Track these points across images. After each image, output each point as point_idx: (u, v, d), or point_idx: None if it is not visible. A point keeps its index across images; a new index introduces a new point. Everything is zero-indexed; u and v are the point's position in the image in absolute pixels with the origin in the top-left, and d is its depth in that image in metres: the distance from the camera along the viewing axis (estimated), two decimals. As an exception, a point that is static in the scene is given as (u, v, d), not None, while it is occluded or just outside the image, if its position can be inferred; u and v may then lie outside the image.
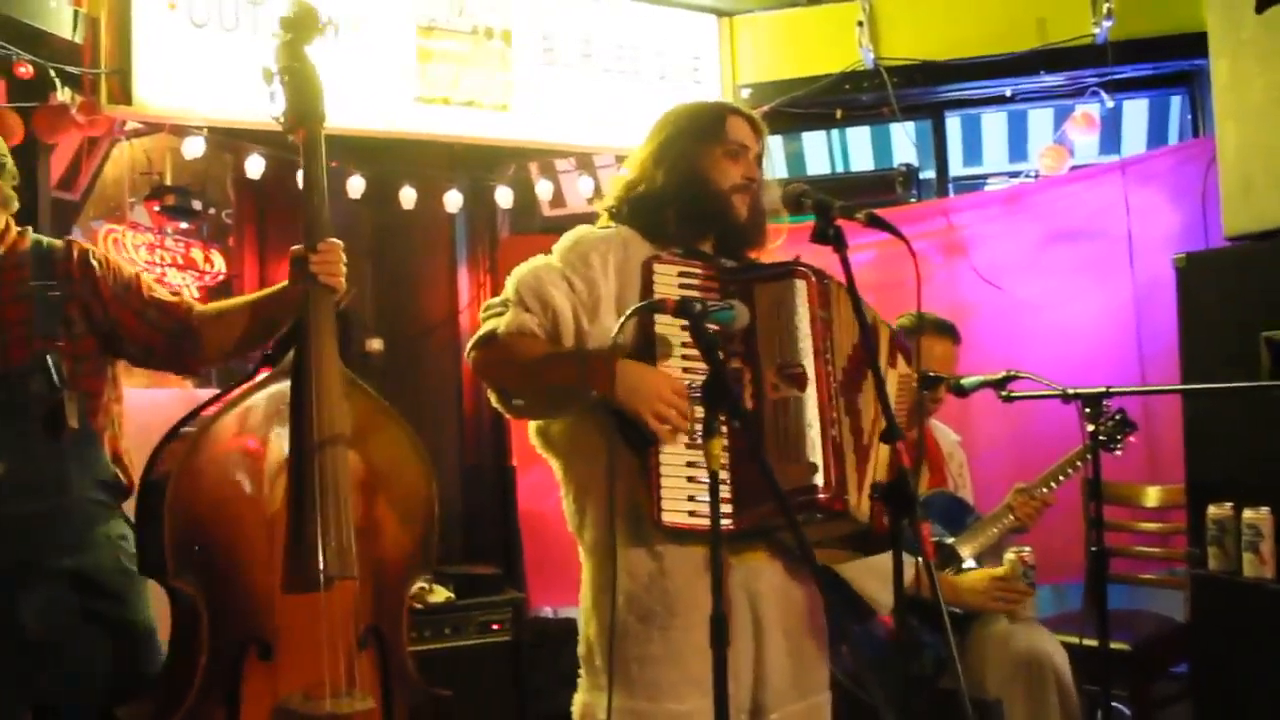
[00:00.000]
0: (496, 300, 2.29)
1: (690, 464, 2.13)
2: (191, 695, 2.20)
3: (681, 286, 2.20)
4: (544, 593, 4.86)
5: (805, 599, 2.33)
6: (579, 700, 2.32)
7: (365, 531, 2.37)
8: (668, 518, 2.12)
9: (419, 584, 3.92)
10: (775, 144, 5.09)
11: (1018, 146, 6.87)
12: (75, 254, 2.47)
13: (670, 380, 2.13)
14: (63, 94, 3.78)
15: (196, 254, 4.58)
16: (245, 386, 2.41)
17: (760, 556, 2.25)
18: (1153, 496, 4.18)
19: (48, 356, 2.32)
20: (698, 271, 2.24)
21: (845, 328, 2.29)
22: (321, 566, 2.25)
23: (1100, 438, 3.12)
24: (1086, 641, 3.19)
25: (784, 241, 2.46)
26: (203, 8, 3.94)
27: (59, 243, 2.49)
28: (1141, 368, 4.37)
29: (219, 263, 4.63)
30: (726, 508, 2.09)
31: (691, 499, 2.13)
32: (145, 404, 2.83)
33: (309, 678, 2.24)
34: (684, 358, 2.17)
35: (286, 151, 4.29)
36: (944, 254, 4.75)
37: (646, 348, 2.18)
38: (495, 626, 4.14)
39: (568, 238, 2.32)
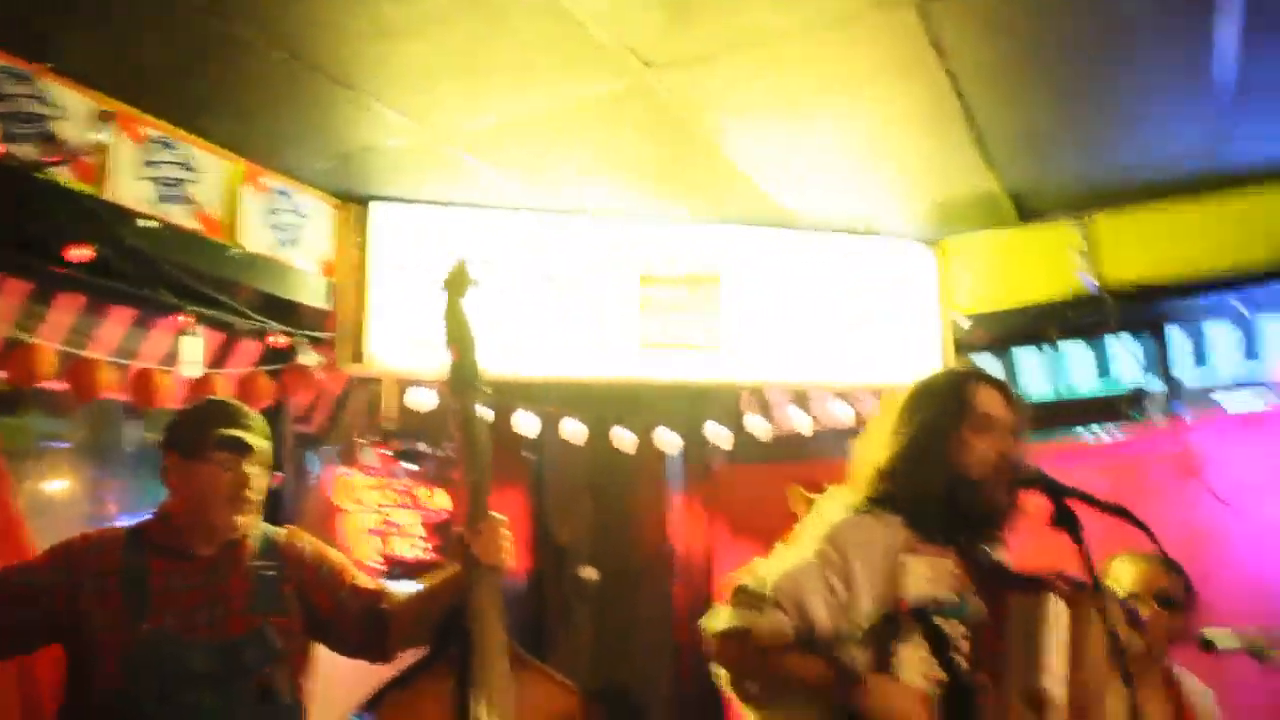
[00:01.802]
0: (751, 586, 2.26)
1: None
2: None
3: (931, 581, 2.15)
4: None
5: None
6: None
7: None
8: None
9: None
10: (993, 364, 4.99)
11: (1251, 354, 6.54)
12: (292, 540, 2.63)
13: (918, 703, 2.07)
14: (305, 354, 4.09)
15: (422, 492, 4.76)
16: (415, 666, 2.42)
17: None
18: None
19: (264, 629, 2.45)
20: (950, 567, 2.19)
21: (1094, 636, 2.17)
22: None
23: None
24: None
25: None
26: (432, 274, 4.21)
27: (282, 530, 2.65)
28: None
29: (443, 500, 4.79)
30: None
31: None
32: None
33: None
34: (930, 650, 2.11)
35: (504, 398, 4.49)
36: (1180, 477, 4.51)
37: (890, 636, 2.13)
38: None
39: (829, 530, 2.28)
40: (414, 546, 4.63)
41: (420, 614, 2.55)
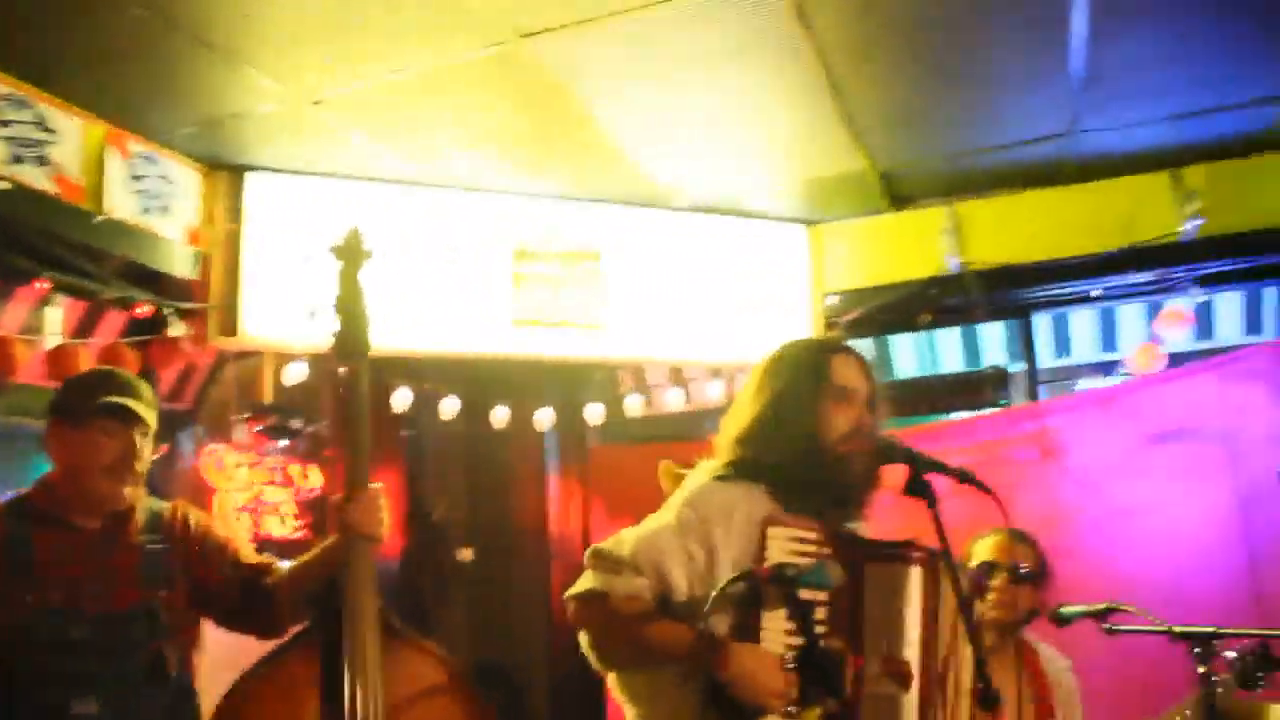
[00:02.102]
0: (609, 550, 2.25)
1: None
2: None
3: (794, 552, 2.17)
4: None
5: None
6: None
7: None
8: None
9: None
10: (864, 346, 5.12)
11: (1109, 336, 6.79)
12: (179, 515, 2.57)
13: (779, 670, 2.09)
14: (175, 326, 3.99)
15: (295, 470, 4.70)
16: (286, 642, 2.40)
17: None
18: (1276, 717, 3.95)
19: (152, 604, 2.41)
20: (810, 536, 2.21)
21: (947, 604, 2.22)
22: None
23: (1242, 676, 2.99)
24: None
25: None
26: (306, 245, 4.17)
27: (166, 504, 2.59)
28: (1252, 574, 4.20)
29: (315, 478, 4.73)
30: None
31: None
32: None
33: None
34: (789, 618, 2.14)
35: (385, 374, 4.46)
36: (1040, 457, 4.67)
37: (752, 604, 2.15)
38: None
39: (690, 495, 2.30)
40: (286, 524, 4.58)
41: (301, 587, 2.52)
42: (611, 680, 2.33)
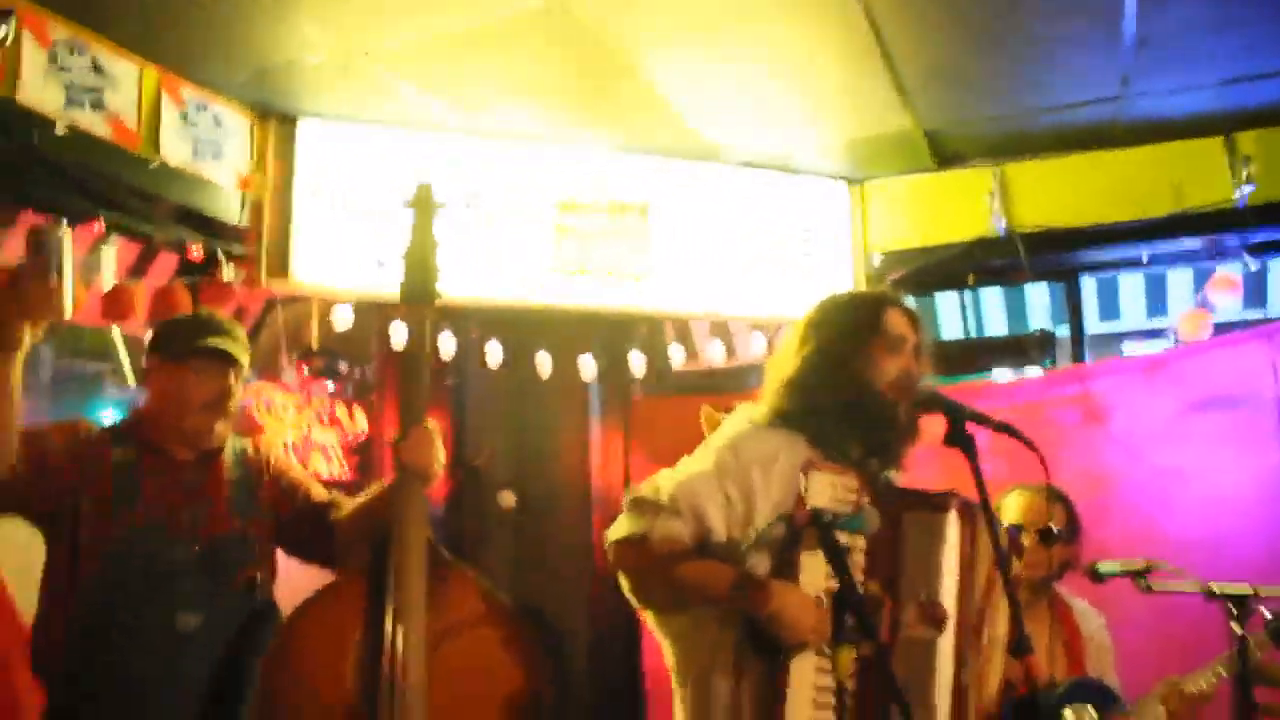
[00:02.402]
0: (648, 495, 2.28)
1: (817, 688, 2.13)
2: None
3: (833, 498, 2.19)
4: (671, 747, 4.79)
5: None
6: None
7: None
8: None
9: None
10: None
11: (1157, 301, 6.74)
12: (261, 451, 2.74)
13: (815, 609, 2.13)
14: (226, 269, 4.06)
15: (341, 412, 4.78)
16: (346, 575, 2.50)
17: None
18: (1311, 678, 3.94)
19: (244, 531, 2.58)
20: (851, 483, 2.23)
21: (983, 555, 2.26)
22: None
23: (1276, 633, 3.00)
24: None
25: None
26: (353, 192, 4.24)
27: (248, 441, 2.75)
28: (1294, 540, 4.18)
29: (362, 421, 4.81)
30: None
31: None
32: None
33: None
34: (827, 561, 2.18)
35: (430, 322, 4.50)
36: (1082, 420, 4.66)
37: (791, 546, 2.19)
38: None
39: (729, 440, 2.33)
40: (333, 465, 4.66)
41: (361, 524, 2.61)
42: (652, 621, 2.39)
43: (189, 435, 2.56)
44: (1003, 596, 2.19)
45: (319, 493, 2.75)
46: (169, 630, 2.43)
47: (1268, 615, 3.15)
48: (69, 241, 2.18)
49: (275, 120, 4.30)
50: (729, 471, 2.26)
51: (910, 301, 5.17)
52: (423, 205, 2.60)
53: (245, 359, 2.61)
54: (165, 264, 4.21)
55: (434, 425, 2.50)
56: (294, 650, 2.38)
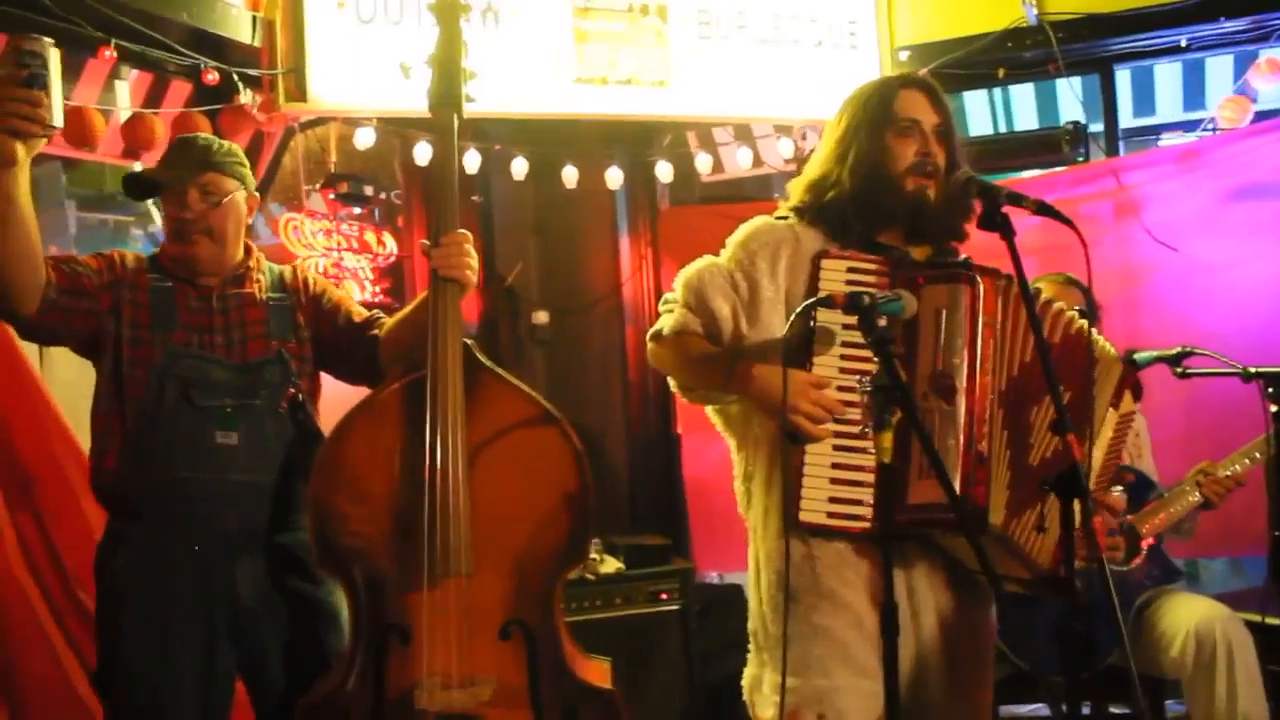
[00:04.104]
0: (668, 294, 2.36)
1: (836, 465, 2.17)
2: (340, 673, 2.39)
3: (849, 282, 2.19)
4: (710, 557, 4.94)
5: (963, 591, 2.31)
6: (748, 673, 2.38)
7: (499, 526, 2.40)
8: (805, 516, 2.18)
9: (588, 561, 4.08)
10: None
11: (1194, 94, 6.52)
12: (300, 275, 2.75)
13: (808, 380, 2.15)
14: (243, 94, 4.00)
15: (370, 237, 4.77)
16: (387, 383, 2.50)
17: (914, 548, 2.25)
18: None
19: (282, 353, 2.59)
20: (868, 266, 2.23)
21: (1022, 333, 2.23)
22: (428, 567, 2.34)
23: None
24: (1270, 620, 3.10)
25: None
26: (369, 4, 4.10)
27: (287, 266, 2.77)
28: (1330, 329, 4.17)
29: (391, 245, 4.81)
30: (867, 510, 2.14)
31: (833, 500, 2.18)
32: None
33: (440, 667, 2.34)
34: (843, 356, 2.19)
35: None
36: (1115, 215, 4.60)
37: (805, 343, 2.20)
38: (664, 596, 4.24)
39: (741, 232, 2.35)
40: (366, 289, 4.68)
41: (403, 337, 2.62)
42: (711, 412, 2.44)
43: (202, 263, 2.56)
44: (1041, 375, 2.18)
45: (359, 311, 2.75)
46: (210, 447, 2.47)
47: (1301, 394, 3.16)
48: (55, 54, 2.13)
49: (279, -68, 4.15)
50: (738, 261, 2.30)
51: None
52: (446, 7, 2.53)
53: (241, 170, 2.60)
54: (180, 93, 4.14)
55: (464, 233, 2.48)
56: (338, 460, 2.42)
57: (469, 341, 2.47)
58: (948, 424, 2.16)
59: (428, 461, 2.36)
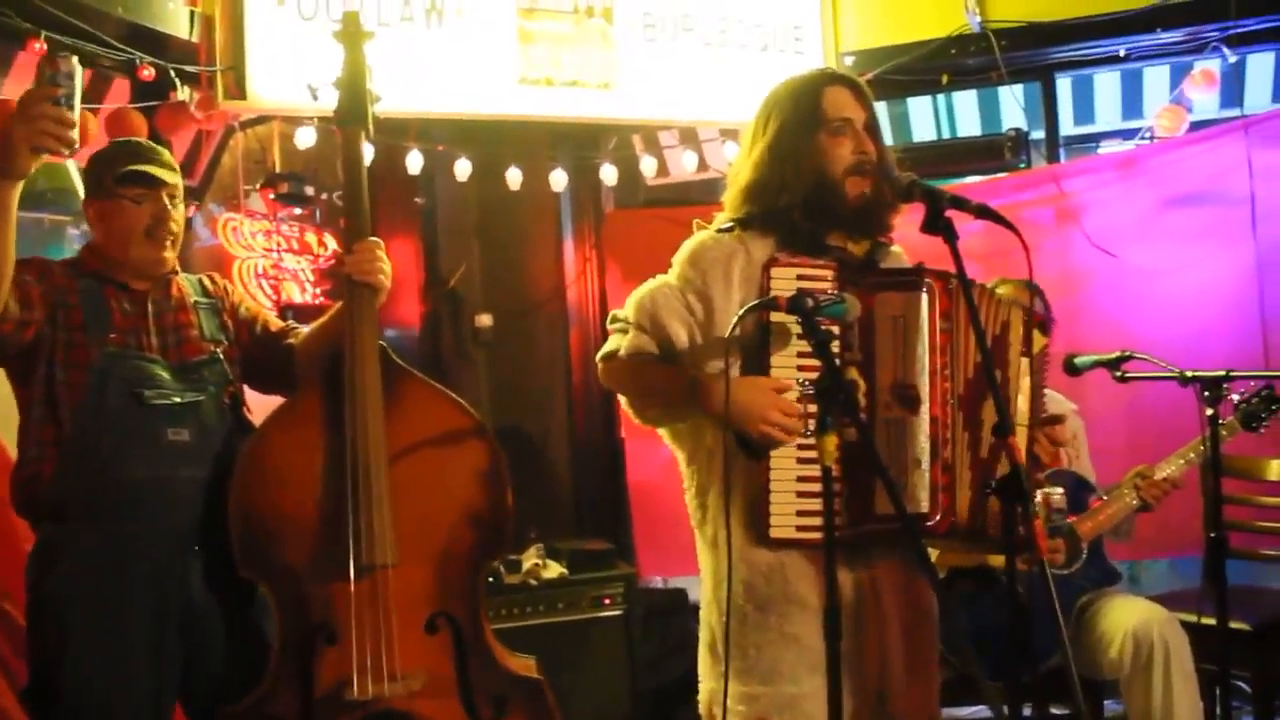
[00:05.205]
0: (619, 313, 2.36)
1: (800, 478, 2.17)
2: (269, 677, 2.42)
3: (800, 290, 2.17)
4: (654, 562, 4.92)
5: (919, 587, 2.35)
6: (704, 688, 2.37)
7: (420, 520, 2.47)
8: (775, 533, 2.19)
9: (533, 566, 4.08)
10: (879, 110, 5.02)
11: (1132, 103, 6.64)
12: (218, 282, 2.76)
13: (773, 390, 2.15)
14: (181, 91, 3.92)
15: (310, 238, 4.71)
16: (304, 388, 2.56)
17: (877, 549, 2.27)
18: (1275, 470, 4.05)
19: (218, 354, 2.60)
20: (816, 272, 2.22)
21: (964, 334, 2.23)
22: (354, 559, 2.39)
23: (1245, 416, 3.07)
24: (1205, 620, 3.14)
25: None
26: (310, 2, 4.04)
27: (203, 275, 2.77)
28: (1265, 336, 4.24)
29: (332, 245, 4.75)
30: (837, 519, 2.11)
31: (800, 513, 2.18)
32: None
33: (370, 660, 2.38)
34: (799, 354, 2.19)
35: (394, 137, 4.40)
36: (1056, 221, 4.65)
37: (762, 344, 2.20)
38: (607, 601, 4.22)
39: (686, 250, 2.34)
40: (306, 291, 4.62)
41: (318, 345, 2.64)
42: (663, 435, 2.43)
43: (140, 265, 2.54)
44: (985, 376, 2.19)
45: (275, 321, 2.79)
46: (163, 445, 2.46)
47: (1236, 398, 3.22)
48: (80, 72, 2.13)
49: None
50: (688, 280, 2.30)
51: (881, 106, 5.12)
52: (350, 36, 2.60)
53: (172, 177, 2.57)
54: (119, 91, 4.05)
55: (376, 240, 2.54)
56: (257, 464, 2.46)
57: (384, 344, 2.53)
58: (913, 434, 2.18)
59: (348, 454, 2.41)
